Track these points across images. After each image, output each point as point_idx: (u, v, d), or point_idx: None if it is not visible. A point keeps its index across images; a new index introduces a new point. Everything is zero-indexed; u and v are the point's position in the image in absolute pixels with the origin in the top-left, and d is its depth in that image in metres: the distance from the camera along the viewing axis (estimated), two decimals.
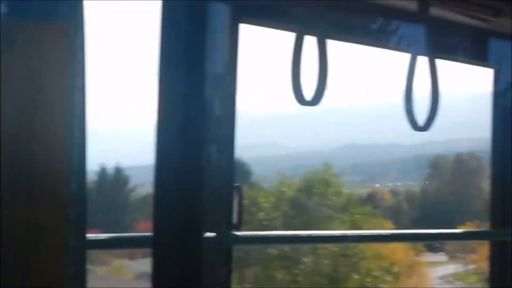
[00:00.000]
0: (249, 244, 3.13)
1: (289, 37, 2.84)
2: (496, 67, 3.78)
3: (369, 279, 19.78)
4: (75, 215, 1.93)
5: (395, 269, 20.49)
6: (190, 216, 2.09)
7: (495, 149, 3.89)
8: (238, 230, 2.89)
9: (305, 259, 19.75)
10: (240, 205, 2.92)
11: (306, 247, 18.72)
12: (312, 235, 3.12)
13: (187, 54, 2.42)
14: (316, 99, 2.82)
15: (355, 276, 19.53)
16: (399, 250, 20.58)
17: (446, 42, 3.46)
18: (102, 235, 2.45)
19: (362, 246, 18.23)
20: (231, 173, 2.91)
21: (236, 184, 2.94)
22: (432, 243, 23.10)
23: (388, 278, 20.03)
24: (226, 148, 2.90)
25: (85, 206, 1.98)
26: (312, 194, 22.45)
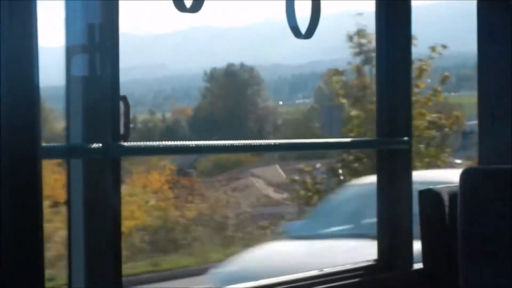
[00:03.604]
0: (136, 155, 3.06)
1: None
2: None
3: None
4: None
5: None
6: (26, 131, 1.99)
7: (380, 62, 3.92)
8: (126, 140, 2.82)
9: None
10: (127, 115, 2.85)
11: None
12: (199, 144, 3.07)
13: None
14: (196, 6, 2.75)
15: None
16: None
17: None
18: None
19: None
20: (116, 83, 2.83)
21: (122, 95, 2.86)
22: None
23: None
24: (110, 58, 2.81)
25: None
26: None
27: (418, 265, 3.83)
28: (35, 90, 1.99)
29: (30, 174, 1.97)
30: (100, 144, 2.71)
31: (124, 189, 16.97)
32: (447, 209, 3.67)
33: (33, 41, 2.00)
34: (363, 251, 4.46)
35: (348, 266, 3.73)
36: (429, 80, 16.95)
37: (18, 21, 1.99)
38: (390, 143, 3.87)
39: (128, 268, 14.50)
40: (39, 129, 2.00)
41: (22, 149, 1.97)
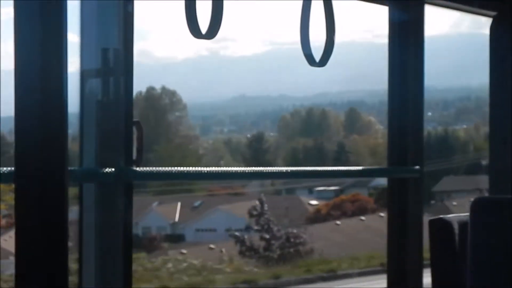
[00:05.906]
0: (148, 180, 3.06)
1: None
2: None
3: None
4: None
5: None
6: (53, 153, 2.02)
7: (392, 91, 3.93)
8: (138, 165, 2.82)
9: None
10: (140, 140, 2.85)
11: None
12: (211, 171, 3.07)
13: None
14: (212, 32, 2.75)
15: None
16: None
17: None
18: None
19: None
20: (130, 108, 2.83)
21: (136, 120, 2.86)
22: None
23: None
24: (124, 83, 2.82)
25: None
26: None
27: None
28: (63, 115, 2.02)
29: (57, 196, 2.00)
30: (113, 169, 2.72)
31: None
32: (457, 238, 3.64)
33: (63, 68, 2.03)
34: None
35: None
36: None
37: (48, 54, 2.02)
38: (401, 172, 3.87)
39: None
40: (67, 153, 2.02)
41: (50, 172, 2.00)
